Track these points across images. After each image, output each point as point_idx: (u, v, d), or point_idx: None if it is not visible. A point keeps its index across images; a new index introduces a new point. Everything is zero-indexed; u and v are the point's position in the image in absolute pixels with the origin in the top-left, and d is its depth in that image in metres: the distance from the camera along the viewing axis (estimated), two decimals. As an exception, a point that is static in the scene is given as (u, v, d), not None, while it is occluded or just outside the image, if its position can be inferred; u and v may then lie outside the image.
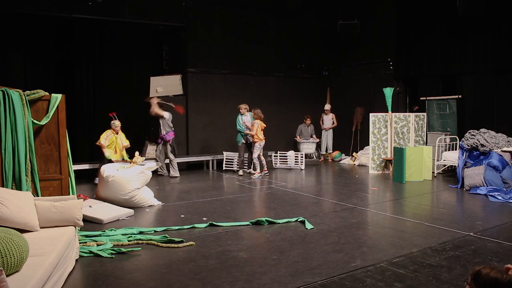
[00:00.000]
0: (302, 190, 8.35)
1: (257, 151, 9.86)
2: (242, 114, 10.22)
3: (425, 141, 10.53)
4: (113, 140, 8.72)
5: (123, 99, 10.75)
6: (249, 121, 10.14)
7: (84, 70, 10.27)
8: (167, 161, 9.96)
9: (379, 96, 11.21)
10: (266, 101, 12.45)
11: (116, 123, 8.72)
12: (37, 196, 4.68)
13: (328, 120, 12.87)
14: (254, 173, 9.87)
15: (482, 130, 8.73)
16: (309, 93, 13.35)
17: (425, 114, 10.65)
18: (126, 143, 8.90)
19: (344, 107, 13.20)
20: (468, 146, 8.43)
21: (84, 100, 10.43)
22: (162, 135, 9.70)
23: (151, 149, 10.57)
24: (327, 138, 12.85)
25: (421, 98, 11.29)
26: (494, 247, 4.77)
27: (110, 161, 8.43)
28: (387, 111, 10.26)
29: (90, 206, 6.21)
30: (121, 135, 8.85)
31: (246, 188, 8.66)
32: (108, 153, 8.65)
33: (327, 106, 13.04)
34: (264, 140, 10.01)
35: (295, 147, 12.65)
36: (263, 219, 5.83)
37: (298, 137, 12.45)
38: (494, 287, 1.91)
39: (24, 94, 4.74)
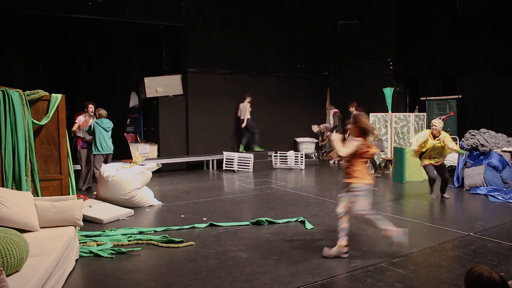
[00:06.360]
0: (302, 190, 8.35)
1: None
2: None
3: (425, 141, 10.51)
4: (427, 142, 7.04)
5: (123, 99, 10.74)
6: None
7: (84, 70, 10.25)
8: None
9: (379, 96, 11.21)
10: (266, 101, 12.45)
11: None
12: (37, 196, 4.69)
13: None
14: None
15: (482, 130, 8.73)
16: (309, 93, 13.34)
17: (425, 114, 10.64)
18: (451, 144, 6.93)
19: (344, 107, 13.17)
20: (468, 146, 8.44)
21: (84, 100, 10.40)
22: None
23: (151, 149, 10.55)
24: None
25: (421, 98, 11.28)
26: (494, 247, 4.77)
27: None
28: (387, 111, 10.26)
29: (90, 206, 6.22)
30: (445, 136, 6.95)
31: (246, 188, 8.66)
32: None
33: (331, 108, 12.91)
34: None
35: (295, 147, 12.65)
36: (263, 219, 5.84)
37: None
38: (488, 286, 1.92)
39: (24, 94, 4.74)
